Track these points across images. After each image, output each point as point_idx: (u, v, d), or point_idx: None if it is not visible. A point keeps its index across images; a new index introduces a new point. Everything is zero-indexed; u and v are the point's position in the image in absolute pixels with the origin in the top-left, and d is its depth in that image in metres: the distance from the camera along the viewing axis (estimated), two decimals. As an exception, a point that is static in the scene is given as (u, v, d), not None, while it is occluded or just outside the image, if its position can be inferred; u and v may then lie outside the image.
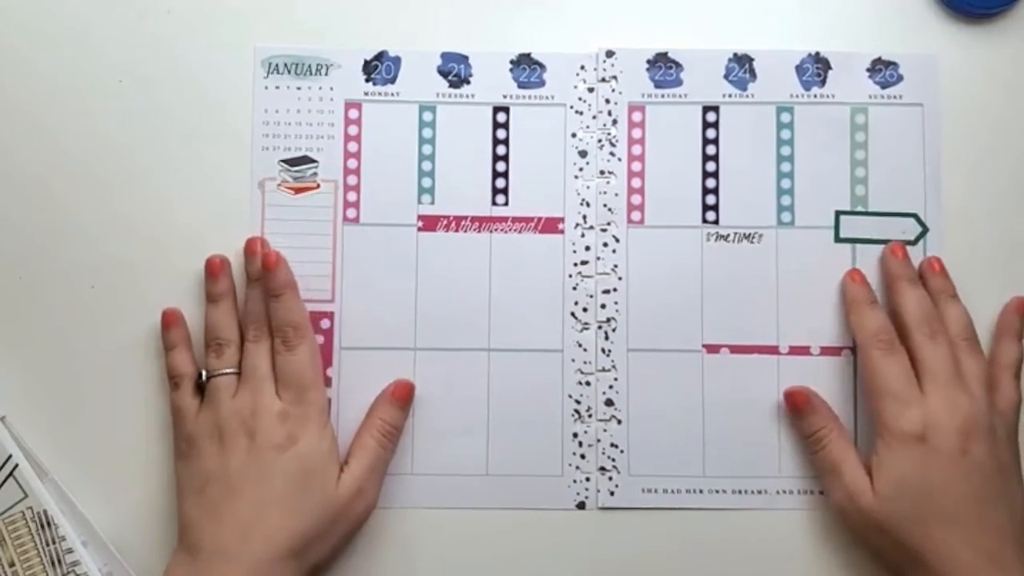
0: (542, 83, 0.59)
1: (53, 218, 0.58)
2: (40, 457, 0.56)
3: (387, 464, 0.56)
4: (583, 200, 0.59)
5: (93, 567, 0.54)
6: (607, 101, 0.59)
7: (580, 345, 0.58)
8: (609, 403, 0.58)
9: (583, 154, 0.59)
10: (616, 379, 0.58)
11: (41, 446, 0.56)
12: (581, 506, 0.57)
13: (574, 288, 0.58)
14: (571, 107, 0.59)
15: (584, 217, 0.59)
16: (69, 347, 0.57)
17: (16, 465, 0.54)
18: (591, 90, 0.59)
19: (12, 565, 0.53)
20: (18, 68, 0.59)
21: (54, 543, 0.54)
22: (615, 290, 0.58)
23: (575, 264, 0.58)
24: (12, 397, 0.56)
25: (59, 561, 0.53)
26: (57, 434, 0.57)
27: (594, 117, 0.59)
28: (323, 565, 0.54)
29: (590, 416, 0.57)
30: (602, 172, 0.59)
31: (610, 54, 0.60)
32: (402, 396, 0.57)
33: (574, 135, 0.59)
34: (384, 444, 0.56)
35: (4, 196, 0.58)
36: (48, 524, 0.54)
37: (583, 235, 0.59)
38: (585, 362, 0.58)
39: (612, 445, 0.57)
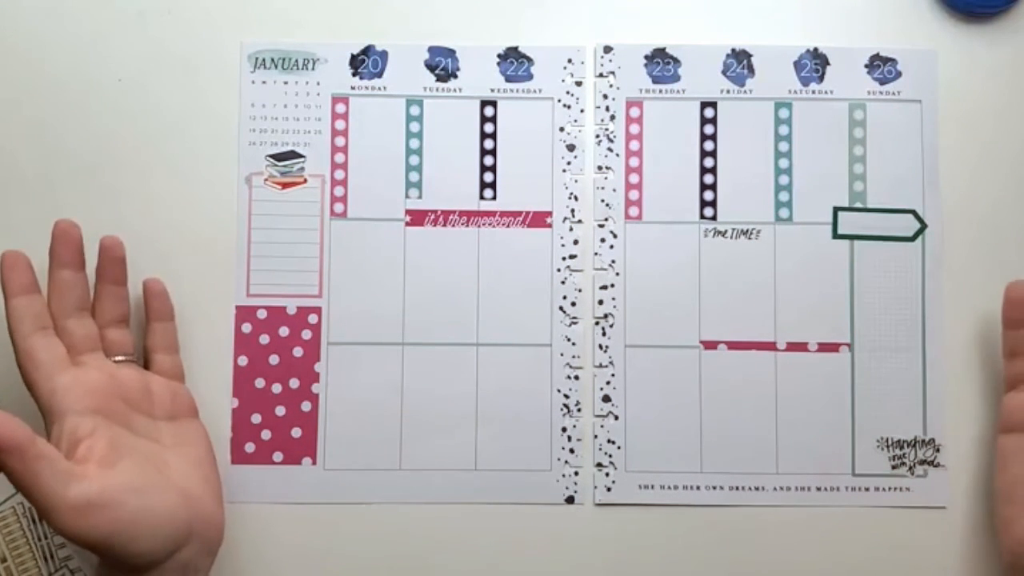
0: (530, 77, 0.58)
1: (47, 213, 0.58)
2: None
3: None
4: (571, 194, 0.58)
5: (86, 563, 0.54)
6: (605, 96, 0.58)
7: (569, 339, 0.57)
8: (607, 399, 0.57)
9: (571, 148, 0.58)
10: (613, 375, 0.57)
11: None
12: (570, 500, 0.57)
13: (562, 282, 0.58)
14: (559, 101, 0.58)
15: (572, 211, 0.58)
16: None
17: (8, 460, 0.54)
18: (579, 84, 0.59)
19: (4, 560, 0.53)
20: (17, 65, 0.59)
21: (46, 538, 0.54)
22: (612, 286, 0.58)
23: (563, 258, 0.58)
24: (4, 391, 0.56)
25: (51, 556, 0.54)
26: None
27: (582, 111, 0.59)
28: None
29: (579, 411, 0.57)
30: (600, 168, 0.58)
31: (608, 49, 0.59)
32: None
33: (562, 129, 0.58)
34: None
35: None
36: (40, 519, 0.54)
37: (571, 229, 0.58)
38: (574, 356, 0.57)
39: (609, 441, 0.57)
